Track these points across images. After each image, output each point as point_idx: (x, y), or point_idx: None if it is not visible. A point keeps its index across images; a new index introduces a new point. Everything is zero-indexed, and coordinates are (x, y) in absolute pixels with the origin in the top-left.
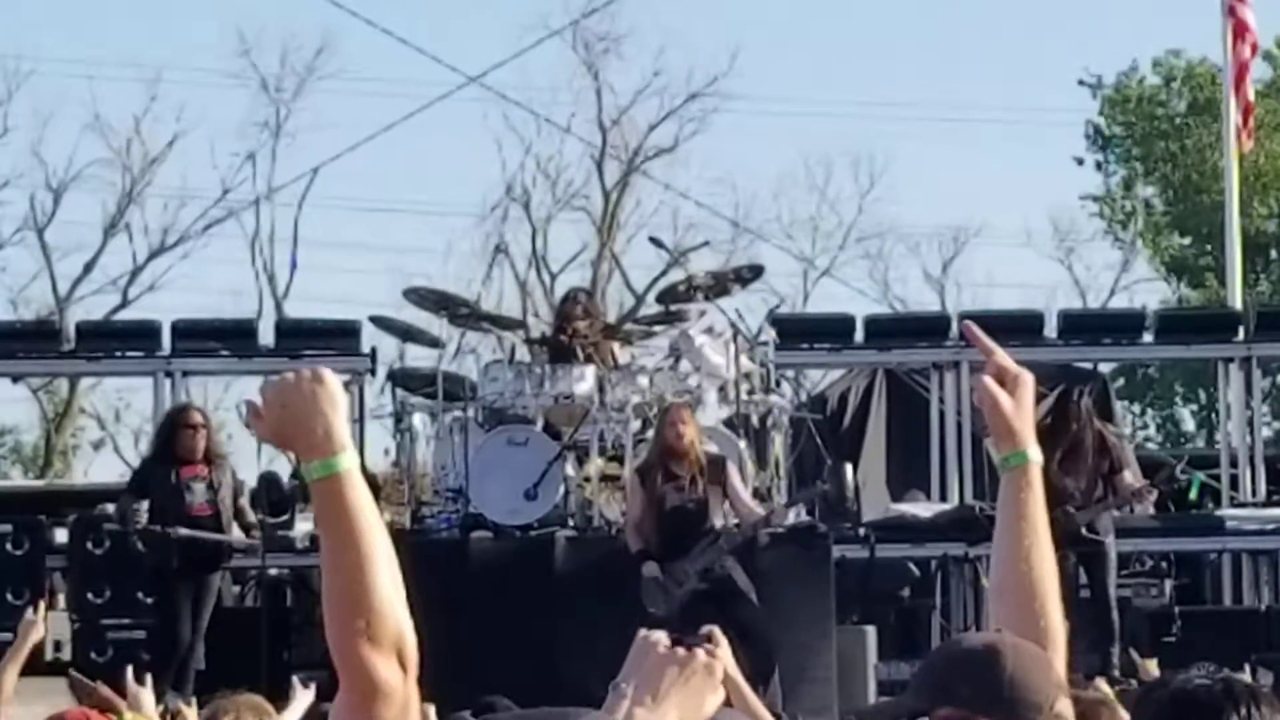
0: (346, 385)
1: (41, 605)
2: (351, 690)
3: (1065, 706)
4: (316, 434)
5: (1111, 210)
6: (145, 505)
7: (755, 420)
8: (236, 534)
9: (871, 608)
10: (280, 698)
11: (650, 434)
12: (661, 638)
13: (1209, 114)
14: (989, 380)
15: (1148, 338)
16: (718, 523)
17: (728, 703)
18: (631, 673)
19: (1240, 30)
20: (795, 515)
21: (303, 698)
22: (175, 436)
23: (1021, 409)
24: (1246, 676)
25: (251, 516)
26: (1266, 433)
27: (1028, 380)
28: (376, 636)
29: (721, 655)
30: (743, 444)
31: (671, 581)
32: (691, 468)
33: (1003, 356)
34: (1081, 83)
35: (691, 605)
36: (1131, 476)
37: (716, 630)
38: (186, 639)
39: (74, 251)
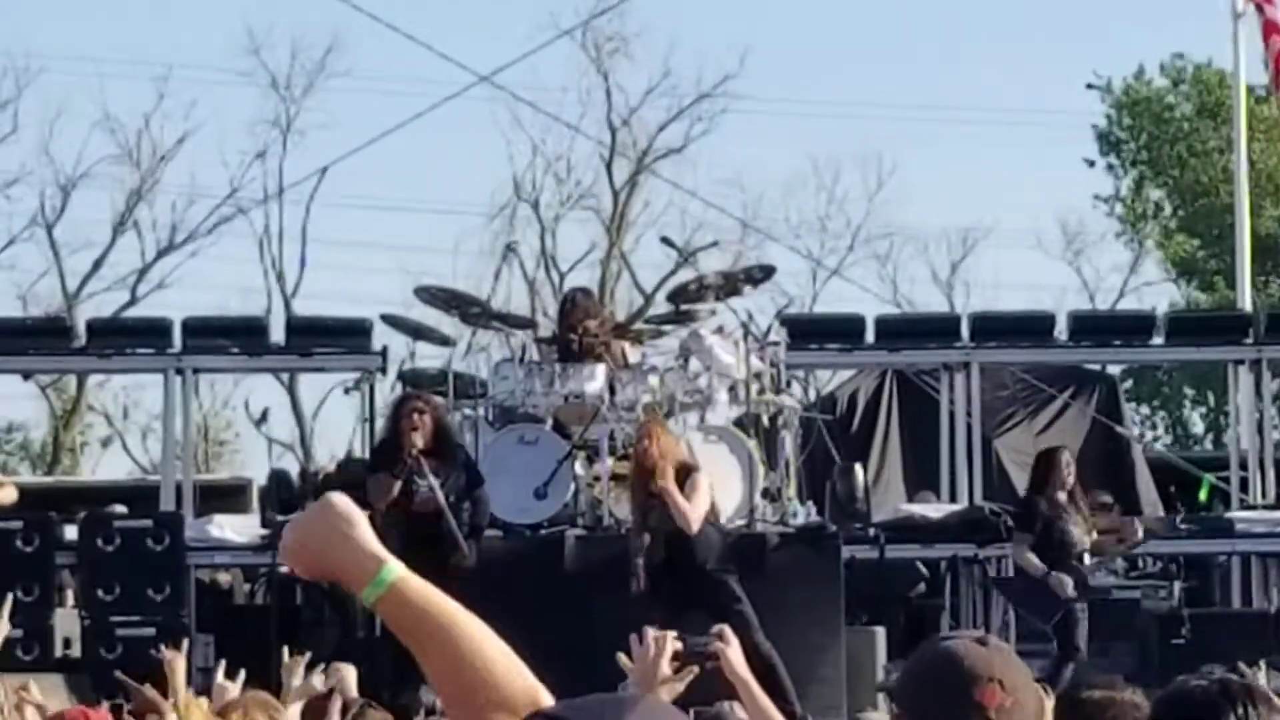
0: (357, 383)
1: (6, 604)
2: None
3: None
4: (349, 561)
5: (1127, 212)
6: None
7: (765, 420)
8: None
9: (881, 608)
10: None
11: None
12: (670, 636)
13: (1218, 117)
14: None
15: (1158, 340)
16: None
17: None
18: (639, 673)
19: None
20: (807, 516)
21: (298, 675)
22: (399, 427)
23: None
24: (1255, 677)
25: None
26: (1276, 435)
27: None
28: (505, 702)
29: (731, 655)
30: (753, 444)
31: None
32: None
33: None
34: (1090, 86)
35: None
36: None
37: (727, 629)
38: None
39: (83, 249)
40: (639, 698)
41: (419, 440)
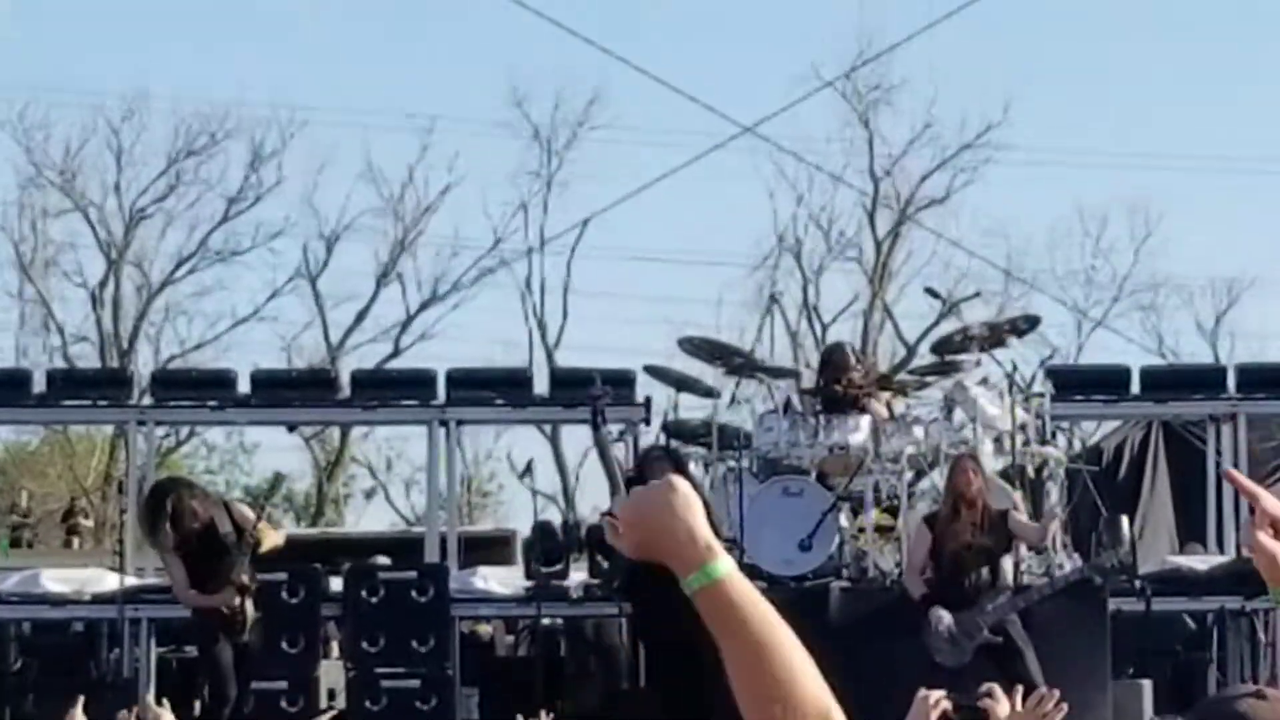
0: (621, 435)
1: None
2: None
3: None
4: (683, 544)
5: None
6: None
7: (1030, 471)
8: None
9: (1147, 661)
10: None
11: (924, 485)
12: (940, 697)
13: None
14: (1263, 537)
15: None
16: (1006, 578)
17: None
18: None
19: None
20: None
21: None
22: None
23: None
24: None
25: None
26: None
27: None
28: (800, 717)
29: (1000, 712)
30: (1018, 495)
31: (962, 634)
32: (979, 517)
33: (1270, 502)
34: None
35: (974, 659)
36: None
37: (996, 688)
38: None
39: (346, 300)
40: None
41: None
